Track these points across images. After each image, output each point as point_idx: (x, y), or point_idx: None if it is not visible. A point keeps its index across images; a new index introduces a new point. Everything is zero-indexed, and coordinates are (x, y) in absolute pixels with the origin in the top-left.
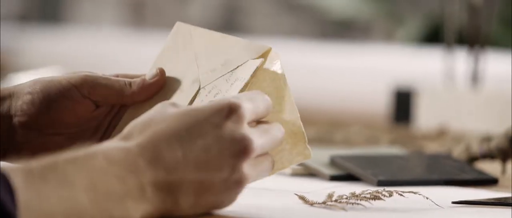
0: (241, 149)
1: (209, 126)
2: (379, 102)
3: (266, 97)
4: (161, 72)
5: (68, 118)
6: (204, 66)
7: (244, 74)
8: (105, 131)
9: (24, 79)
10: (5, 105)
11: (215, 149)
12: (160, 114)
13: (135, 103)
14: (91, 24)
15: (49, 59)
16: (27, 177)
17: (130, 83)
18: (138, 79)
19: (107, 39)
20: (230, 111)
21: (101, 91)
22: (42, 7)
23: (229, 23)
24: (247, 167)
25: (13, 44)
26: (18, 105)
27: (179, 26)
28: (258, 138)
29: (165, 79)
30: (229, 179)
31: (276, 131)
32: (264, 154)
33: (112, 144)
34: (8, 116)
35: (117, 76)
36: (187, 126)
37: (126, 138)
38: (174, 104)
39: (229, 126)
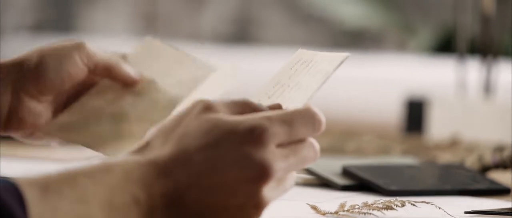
0: (259, 174)
1: (229, 148)
2: (392, 112)
3: (313, 118)
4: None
5: (67, 82)
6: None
7: (329, 67)
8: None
9: None
10: (8, 77)
11: (232, 174)
12: (182, 125)
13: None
14: (103, 34)
15: None
16: (43, 191)
17: (126, 57)
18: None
19: (120, 49)
20: (252, 133)
21: (98, 60)
22: (55, 17)
23: (242, 34)
24: (266, 191)
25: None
26: (22, 74)
27: (147, 40)
28: (282, 161)
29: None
30: (246, 204)
31: (307, 150)
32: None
33: (131, 158)
34: (11, 84)
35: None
36: (207, 147)
37: (146, 148)
38: (208, 109)
39: (248, 149)
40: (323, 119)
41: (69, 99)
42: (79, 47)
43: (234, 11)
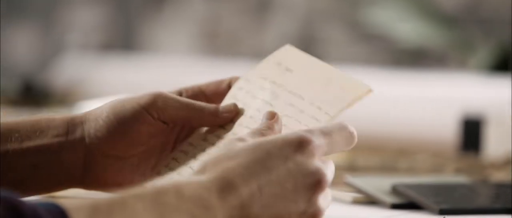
0: (315, 181)
1: (281, 158)
2: (449, 131)
3: (348, 130)
4: (235, 107)
5: (142, 139)
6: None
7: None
8: (174, 144)
9: (93, 106)
10: (78, 133)
11: (290, 182)
12: (230, 150)
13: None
14: (166, 53)
15: (125, 87)
16: (92, 214)
17: (201, 109)
18: (211, 107)
19: (182, 68)
20: (301, 144)
21: (171, 113)
22: (119, 36)
23: (304, 51)
24: (321, 199)
25: (90, 72)
26: (93, 133)
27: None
28: (328, 170)
29: (237, 113)
30: (305, 212)
31: (331, 165)
32: None
33: (184, 179)
34: (83, 144)
35: (185, 92)
36: (260, 160)
37: (199, 173)
38: (242, 139)
39: (300, 158)
40: (356, 134)
41: (156, 148)
42: (150, 103)
43: (296, 29)
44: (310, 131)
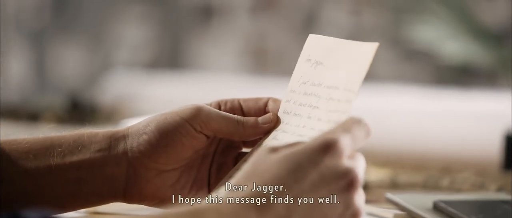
0: (349, 182)
1: (311, 166)
2: (493, 148)
3: (363, 123)
4: (274, 117)
5: (184, 152)
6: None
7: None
8: (213, 157)
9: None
10: (120, 148)
11: (324, 188)
12: (262, 162)
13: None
14: (213, 71)
15: (171, 105)
16: None
17: (242, 123)
18: (251, 120)
19: (229, 85)
20: (328, 147)
21: (213, 126)
22: (166, 54)
23: None
24: (358, 198)
25: (137, 90)
26: (135, 146)
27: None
28: (358, 168)
29: (277, 122)
30: (344, 214)
31: (360, 158)
32: None
33: (222, 198)
34: (125, 158)
35: (223, 105)
36: (291, 171)
37: (233, 190)
38: (274, 150)
39: (330, 162)
40: (366, 123)
41: (196, 162)
42: (192, 116)
43: None
44: (332, 132)
